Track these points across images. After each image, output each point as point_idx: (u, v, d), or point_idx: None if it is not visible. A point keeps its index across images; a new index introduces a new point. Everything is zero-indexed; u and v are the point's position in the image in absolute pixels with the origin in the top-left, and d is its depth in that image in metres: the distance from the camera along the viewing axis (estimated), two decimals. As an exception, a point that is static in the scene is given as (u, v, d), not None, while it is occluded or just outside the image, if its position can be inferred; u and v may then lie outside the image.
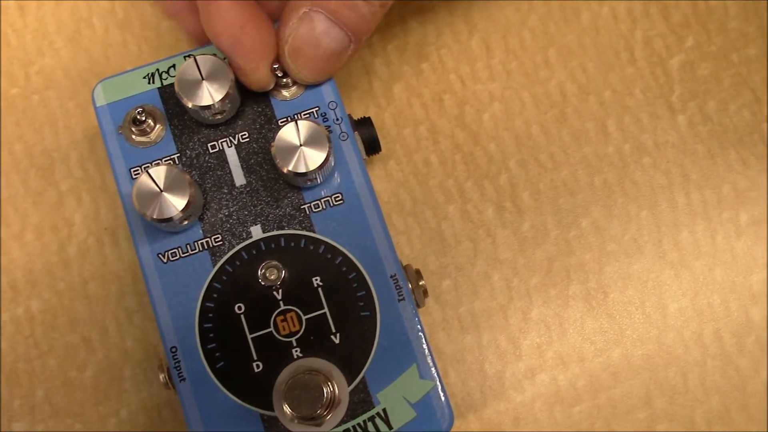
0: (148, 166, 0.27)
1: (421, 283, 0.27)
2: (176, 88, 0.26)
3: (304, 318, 0.26)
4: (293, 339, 0.26)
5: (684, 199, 0.32)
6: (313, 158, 0.25)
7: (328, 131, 0.27)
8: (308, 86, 0.28)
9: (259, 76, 0.27)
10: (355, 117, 0.29)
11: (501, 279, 0.32)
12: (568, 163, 0.33)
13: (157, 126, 0.27)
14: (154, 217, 0.25)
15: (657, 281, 0.32)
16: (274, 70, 0.27)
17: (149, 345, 0.32)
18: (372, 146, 0.29)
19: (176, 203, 0.25)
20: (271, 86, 0.27)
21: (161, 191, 0.25)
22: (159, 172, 0.25)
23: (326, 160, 0.26)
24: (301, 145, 0.26)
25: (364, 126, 0.29)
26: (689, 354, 0.31)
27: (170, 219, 0.25)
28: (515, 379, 0.31)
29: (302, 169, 0.25)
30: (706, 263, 0.32)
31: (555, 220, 0.32)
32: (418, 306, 0.27)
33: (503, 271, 0.32)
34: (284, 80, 0.27)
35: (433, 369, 0.26)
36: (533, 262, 0.32)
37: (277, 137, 0.26)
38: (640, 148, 0.33)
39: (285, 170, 0.26)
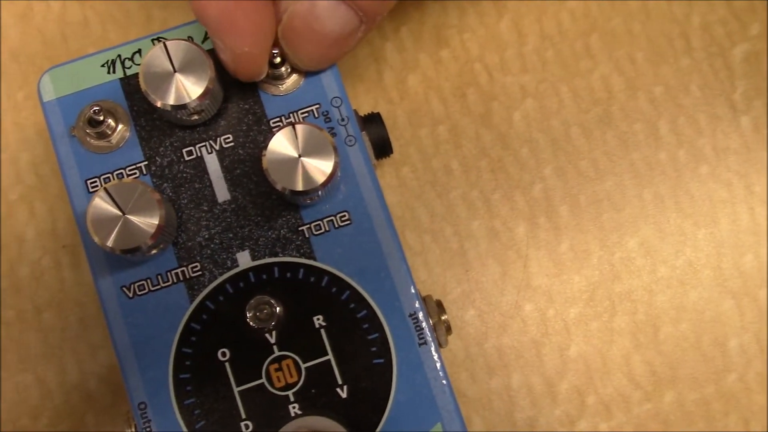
0: (108, 178, 0.23)
1: (443, 318, 0.25)
2: (142, 82, 0.22)
3: (303, 367, 0.23)
4: (290, 392, 0.23)
5: (747, 215, 0.30)
6: (315, 173, 0.22)
7: (332, 135, 0.24)
8: (306, 77, 0.24)
9: (251, 63, 0.23)
10: (362, 113, 0.27)
11: (534, 309, 0.29)
12: (613, 171, 0.30)
13: (119, 127, 0.24)
14: (114, 247, 0.21)
15: (716, 312, 0.29)
16: (273, 56, 0.23)
17: (118, 387, 0.28)
18: (382, 148, 0.26)
19: (143, 229, 0.21)
20: (263, 76, 0.24)
21: (123, 214, 0.21)
22: (119, 190, 0.21)
23: (332, 175, 0.22)
24: (299, 156, 0.22)
25: (372, 124, 0.26)
26: (752, 399, 0.29)
27: (137, 249, 0.21)
28: (550, 428, 0.29)
29: (301, 187, 0.22)
30: (773, 291, 0.29)
31: (598, 239, 0.30)
32: (440, 346, 0.24)
33: (537, 301, 0.29)
34: (277, 71, 0.24)
35: (461, 429, 0.23)
36: (572, 289, 0.29)
37: (269, 146, 0.22)
38: (696, 154, 0.30)
39: (280, 187, 0.22)
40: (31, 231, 0.29)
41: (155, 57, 0.22)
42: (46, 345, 0.28)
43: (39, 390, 0.28)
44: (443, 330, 0.24)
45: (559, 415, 0.28)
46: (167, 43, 0.22)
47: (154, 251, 0.22)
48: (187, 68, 0.22)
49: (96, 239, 0.21)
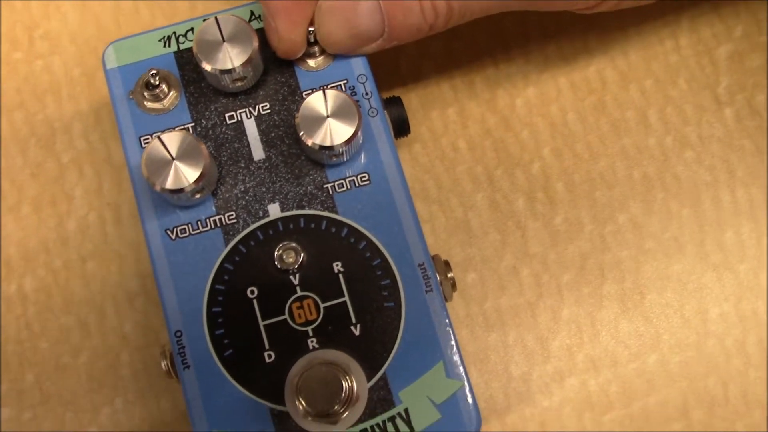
0: (160, 135, 0.25)
1: (449, 276, 0.26)
2: (195, 49, 0.24)
3: (322, 306, 0.24)
4: (309, 328, 0.24)
5: (729, 197, 0.31)
6: (340, 131, 0.24)
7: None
8: (336, 57, 0.26)
9: (293, 47, 0.25)
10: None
11: (530, 274, 0.31)
12: (605, 154, 0.31)
13: (172, 92, 0.26)
14: (164, 187, 0.24)
15: (698, 284, 0.30)
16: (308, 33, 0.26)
17: (150, 331, 0.30)
18: (401, 128, 0.27)
19: (189, 173, 0.24)
20: (300, 54, 0.26)
21: (173, 159, 0.24)
22: (172, 139, 0.24)
23: (355, 134, 0.24)
24: (328, 116, 0.24)
25: (393, 106, 0.28)
26: (731, 363, 0.30)
27: (181, 190, 0.24)
28: (542, 382, 0.30)
29: (328, 143, 0.24)
30: (751, 266, 0.30)
31: (590, 214, 0.31)
32: (445, 300, 0.26)
33: (533, 266, 0.31)
34: (311, 49, 0.26)
35: (461, 368, 0.24)
36: (565, 257, 0.31)
37: (302, 106, 0.24)
38: (683, 141, 0.31)
39: (309, 143, 0.24)
40: (79, 190, 0.31)
41: (209, 27, 0.24)
42: (88, 291, 0.30)
43: (80, 331, 0.30)
44: (449, 286, 0.26)
45: (551, 370, 0.29)
46: (219, 17, 0.24)
47: (197, 195, 0.24)
48: (234, 39, 0.24)
49: (148, 178, 0.23)
